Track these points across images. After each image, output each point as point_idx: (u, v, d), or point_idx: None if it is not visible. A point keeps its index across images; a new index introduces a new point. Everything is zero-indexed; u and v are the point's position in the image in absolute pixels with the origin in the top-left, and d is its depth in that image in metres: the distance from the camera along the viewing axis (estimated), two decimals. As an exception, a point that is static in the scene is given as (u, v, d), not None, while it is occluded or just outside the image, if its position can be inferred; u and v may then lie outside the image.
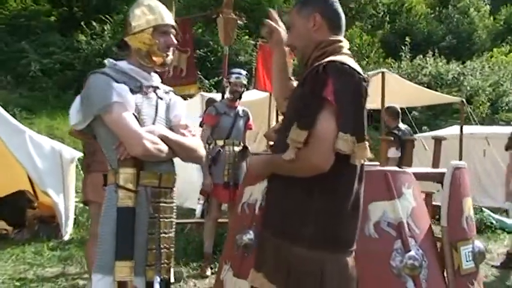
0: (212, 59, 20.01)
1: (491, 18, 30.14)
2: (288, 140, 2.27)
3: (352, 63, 2.33)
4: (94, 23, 19.73)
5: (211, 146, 6.25)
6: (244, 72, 6.50)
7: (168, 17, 2.85)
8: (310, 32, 2.48)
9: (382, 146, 5.21)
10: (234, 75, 6.35)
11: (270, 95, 7.87)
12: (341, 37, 2.52)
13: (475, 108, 18.64)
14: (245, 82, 6.39)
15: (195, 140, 2.88)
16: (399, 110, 7.79)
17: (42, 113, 16.42)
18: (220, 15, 6.85)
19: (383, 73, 9.38)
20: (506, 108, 19.39)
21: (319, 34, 2.48)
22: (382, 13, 29.15)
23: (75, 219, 8.14)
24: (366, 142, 2.29)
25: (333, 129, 2.21)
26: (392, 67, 21.82)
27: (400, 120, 7.77)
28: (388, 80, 9.33)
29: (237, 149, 6.34)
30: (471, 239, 4.25)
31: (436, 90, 19.12)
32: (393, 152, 6.17)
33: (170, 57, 2.85)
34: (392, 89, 9.20)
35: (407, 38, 22.17)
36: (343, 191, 2.35)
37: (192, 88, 6.99)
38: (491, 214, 9.58)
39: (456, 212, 4.19)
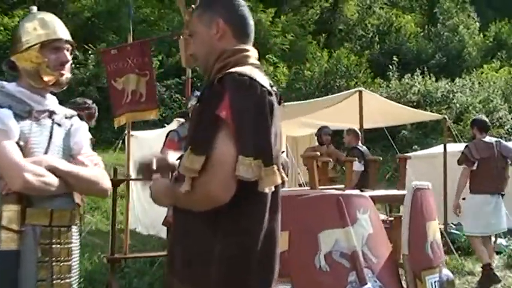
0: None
1: (481, 35, 30.06)
2: (181, 168, 1.93)
3: (256, 74, 1.99)
4: (77, 52, 19.54)
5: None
6: None
7: (63, 32, 2.55)
8: (213, 40, 2.13)
9: (347, 168, 4.88)
10: (193, 99, 6.07)
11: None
12: (248, 46, 2.19)
13: (465, 125, 18.35)
14: None
15: (97, 171, 2.54)
16: (359, 132, 7.81)
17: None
18: (181, 37, 6.56)
19: (360, 92, 9.09)
20: (497, 124, 19.09)
21: (223, 42, 2.13)
22: (372, 33, 29.07)
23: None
24: (275, 166, 1.94)
25: (232, 152, 1.86)
26: (381, 87, 21.66)
27: (359, 141, 7.78)
28: (366, 99, 9.05)
29: None
30: (438, 267, 3.89)
31: (426, 109, 18.93)
32: (357, 166, 5.94)
33: (66, 75, 2.54)
34: (371, 108, 8.91)
35: (394, 58, 21.96)
36: (252, 225, 1.99)
37: (152, 113, 6.63)
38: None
39: (418, 238, 3.85)
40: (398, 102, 19.32)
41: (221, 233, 1.95)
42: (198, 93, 6.21)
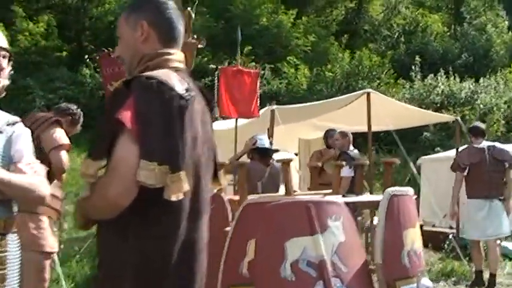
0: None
1: (510, 33, 29.32)
2: (80, 173, 1.88)
3: (172, 78, 1.94)
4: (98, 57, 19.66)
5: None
6: None
7: None
8: (137, 43, 2.10)
9: (335, 172, 4.76)
10: None
11: (236, 121, 7.50)
12: (173, 50, 2.14)
13: (489, 126, 17.91)
14: None
15: (34, 179, 2.49)
16: (350, 135, 7.65)
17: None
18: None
19: (368, 94, 8.92)
20: (523, 125, 18.63)
21: (147, 46, 2.11)
22: (397, 34, 28.66)
23: None
24: (182, 172, 1.87)
25: (134, 157, 1.80)
26: (404, 87, 21.33)
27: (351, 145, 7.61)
28: (374, 100, 8.87)
29: None
30: (415, 277, 3.75)
31: (449, 110, 18.55)
32: (346, 171, 5.88)
33: (3, 83, 2.50)
34: (380, 110, 8.72)
35: (417, 58, 21.56)
36: (164, 234, 1.93)
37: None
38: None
39: (394, 247, 3.72)
40: (422, 103, 19.16)
41: (132, 242, 1.90)
42: None
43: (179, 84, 1.95)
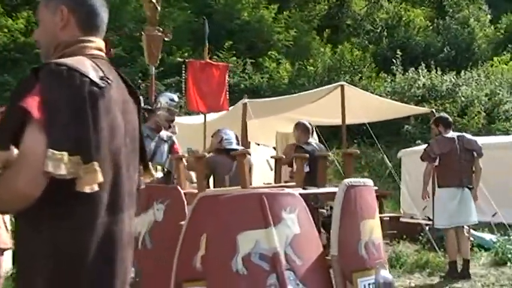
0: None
1: (492, 27, 29.43)
2: None
3: (83, 64, 1.85)
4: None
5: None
6: (177, 99, 6.08)
7: None
8: (56, 29, 2.01)
9: (297, 164, 4.68)
10: (168, 101, 5.94)
11: (204, 115, 7.40)
12: (94, 38, 2.05)
13: (470, 119, 17.95)
14: (177, 110, 6.04)
15: None
16: (309, 126, 7.42)
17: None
18: (143, 33, 6.44)
19: (342, 86, 8.89)
20: (503, 117, 18.64)
21: (66, 32, 2.01)
22: (380, 28, 28.64)
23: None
24: (95, 163, 1.78)
25: (41, 146, 1.70)
26: (386, 81, 21.34)
27: (310, 136, 7.46)
28: (349, 94, 8.83)
29: (159, 174, 5.88)
30: (374, 269, 3.67)
31: (430, 103, 18.53)
32: None
33: None
34: (354, 103, 8.68)
35: (398, 52, 21.58)
36: (79, 225, 1.83)
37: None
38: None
39: (350, 238, 3.64)
40: (403, 97, 19.16)
41: (45, 234, 1.81)
42: (169, 95, 6.10)
43: (93, 71, 1.86)
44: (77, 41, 2.00)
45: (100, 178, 1.79)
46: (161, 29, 6.56)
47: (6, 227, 4.36)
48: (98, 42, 2.05)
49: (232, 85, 20.25)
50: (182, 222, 3.73)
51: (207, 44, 7.18)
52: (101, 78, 1.87)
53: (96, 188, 1.79)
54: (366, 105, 9.01)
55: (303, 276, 3.37)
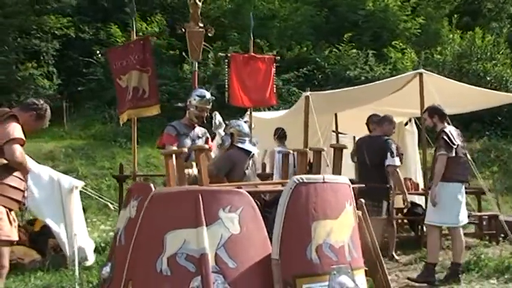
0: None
1: None
2: None
3: None
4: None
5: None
6: (208, 95, 6.06)
7: None
8: None
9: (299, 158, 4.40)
10: (196, 97, 5.98)
11: (250, 109, 7.25)
12: None
13: None
14: (209, 106, 6.02)
15: None
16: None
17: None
18: (185, 30, 6.47)
19: (421, 74, 8.25)
20: None
21: None
22: (524, 11, 26.22)
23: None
24: None
25: None
26: (524, 68, 19.50)
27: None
28: (427, 81, 8.17)
29: (196, 171, 5.91)
30: (327, 275, 3.35)
31: None
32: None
33: None
34: (434, 92, 7.98)
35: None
36: None
37: (154, 109, 6.66)
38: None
39: (297, 240, 3.36)
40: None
41: None
42: (201, 91, 6.10)
43: None
44: None
45: None
46: (202, 25, 6.55)
47: (10, 221, 4.58)
48: None
49: (352, 78, 19.74)
50: (141, 220, 3.68)
51: (252, 37, 7.06)
52: None
53: None
54: (450, 94, 8.26)
55: (235, 280, 3.16)
